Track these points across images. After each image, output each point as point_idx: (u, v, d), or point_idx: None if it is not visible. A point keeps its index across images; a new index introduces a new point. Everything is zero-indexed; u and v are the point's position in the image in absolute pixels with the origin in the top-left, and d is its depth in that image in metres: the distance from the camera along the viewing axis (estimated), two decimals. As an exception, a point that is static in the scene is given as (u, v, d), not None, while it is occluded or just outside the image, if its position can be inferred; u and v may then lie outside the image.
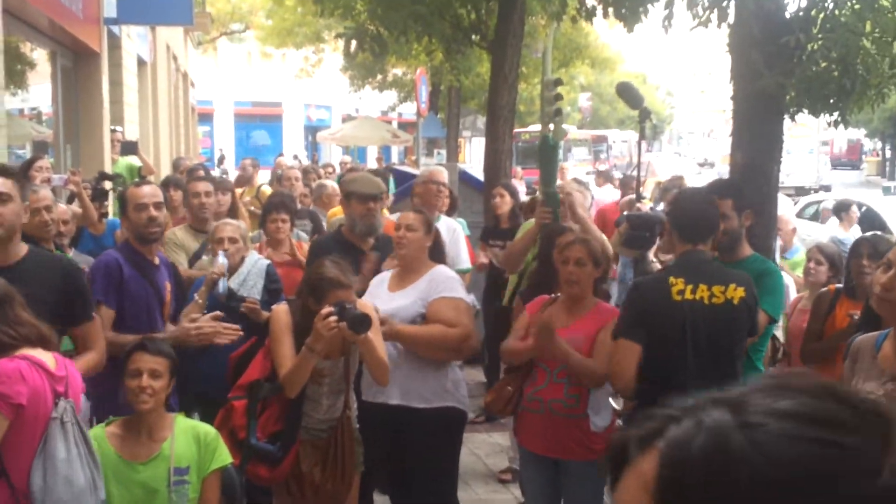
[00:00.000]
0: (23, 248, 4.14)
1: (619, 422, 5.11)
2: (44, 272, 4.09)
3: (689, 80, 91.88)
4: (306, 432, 4.66)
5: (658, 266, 7.04)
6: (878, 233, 5.99)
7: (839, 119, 6.24)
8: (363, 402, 5.07)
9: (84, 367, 4.06)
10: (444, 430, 5.11)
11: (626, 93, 9.49)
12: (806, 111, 6.39)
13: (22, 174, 7.82)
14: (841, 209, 10.64)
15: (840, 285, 5.76)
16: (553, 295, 5.02)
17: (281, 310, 4.68)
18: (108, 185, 8.29)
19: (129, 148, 11.18)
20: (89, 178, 8.21)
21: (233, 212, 7.46)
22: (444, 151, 29.41)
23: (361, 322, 4.35)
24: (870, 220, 10.19)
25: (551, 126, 11.43)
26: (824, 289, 5.91)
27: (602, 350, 4.70)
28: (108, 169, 10.98)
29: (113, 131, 12.40)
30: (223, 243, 5.91)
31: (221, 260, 5.73)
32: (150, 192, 5.04)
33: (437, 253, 5.42)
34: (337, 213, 7.96)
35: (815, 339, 5.57)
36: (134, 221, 4.95)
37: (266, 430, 4.60)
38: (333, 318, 4.31)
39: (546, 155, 6.83)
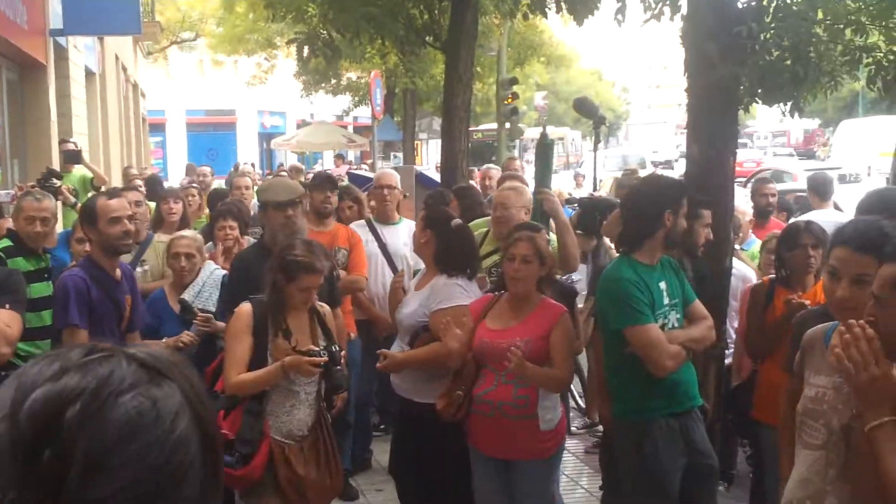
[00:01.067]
0: None
1: (585, 420, 5.11)
2: None
3: (645, 75, 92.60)
4: (289, 437, 4.58)
5: (615, 253, 6.99)
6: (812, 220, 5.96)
7: (793, 108, 6.22)
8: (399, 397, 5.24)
9: None
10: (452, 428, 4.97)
11: (583, 107, 9.80)
12: (759, 101, 6.37)
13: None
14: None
15: (773, 276, 5.73)
16: (497, 293, 4.97)
17: (244, 310, 4.62)
18: (56, 182, 8.08)
19: (73, 157, 10.91)
20: (37, 177, 8.04)
21: (184, 221, 7.32)
22: (400, 154, 29.35)
23: (337, 389, 4.70)
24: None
25: (507, 124, 11.36)
26: (758, 281, 5.89)
27: (559, 352, 4.68)
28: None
29: (63, 142, 12.17)
30: (180, 259, 5.79)
31: (194, 330, 5.62)
32: (122, 204, 5.05)
33: (443, 258, 5.21)
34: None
35: (756, 332, 5.54)
36: (108, 234, 4.91)
37: (234, 430, 4.49)
38: (319, 370, 4.49)
39: (543, 154, 6.66)
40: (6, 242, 5.93)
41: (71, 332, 4.74)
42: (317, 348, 4.54)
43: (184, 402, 0.98)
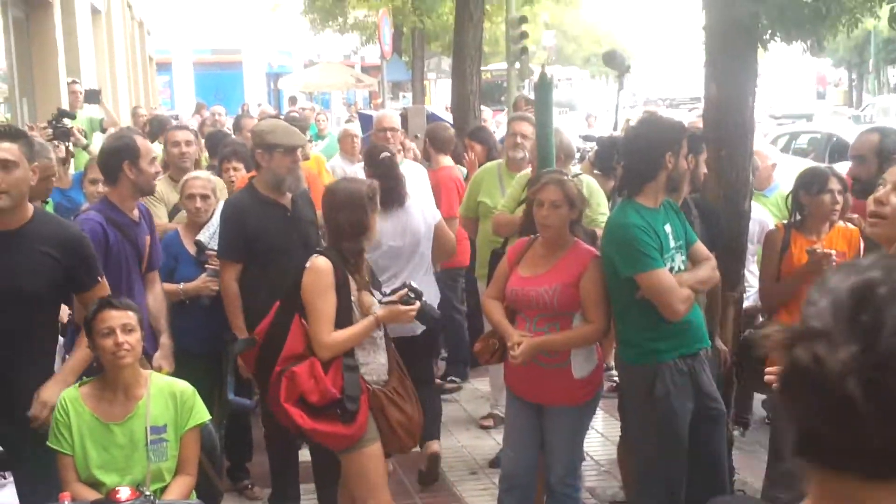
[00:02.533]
0: (29, 210, 4.04)
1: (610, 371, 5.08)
2: (50, 237, 4.02)
3: (656, 15, 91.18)
4: (378, 383, 4.55)
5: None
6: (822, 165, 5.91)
7: (814, 46, 6.11)
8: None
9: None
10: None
11: (612, 61, 9.73)
12: (779, 39, 6.26)
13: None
14: None
15: (786, 221, 5.63)
16: (532, 236, 4.93)
17: (325, 266, 4.43)
18: (68, 122, 8.00)
19: (93, 97, 10.82)
20: (48, 118, 7.97)
21: (196, 162, 7.28)
22: (409, 94, 29.12)
23: (430, 323, 4.77)
24: (841, 150, 10.07)
25: (517, 64, 11.23)
26: (772, 227, 5.79)
27: (589, 299, 4.62)
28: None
29: (70, 83, 12.08)
30: (195, 200, 5.76)
31: (209, 273, 5.63)
32: (150, 146, 5.12)
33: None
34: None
35: (773, 280, 5.45)
36: (149, 174, 4.90)
37: (337, 385, 4.39)
38: (413, 310, 4.53)
39: (543, 95, 6.14)
40: None
41: None
42: (403, 290, 4.57)
43: None
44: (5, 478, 4.75)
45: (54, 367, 4.32)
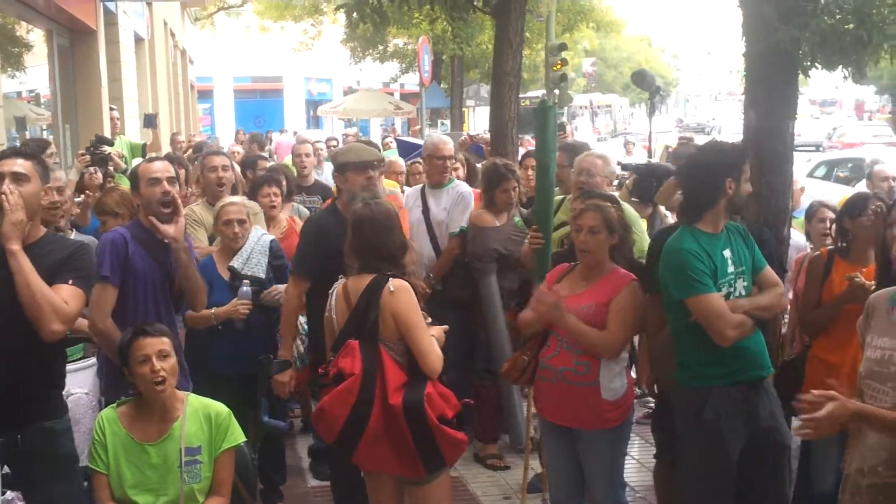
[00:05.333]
0: (40, 231, 4.00)
1: (636, 390, 5.04)
2: (56, 250, 3.96)
3: (696, 42, 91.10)
4: None
5: (671, 220, 6.89)
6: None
7: (856, 73, 6.05)
8: None
9: None
10: None
11: (642, 80, 9.74)
12: (820, 66, 6.21)
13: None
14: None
15: (831, 247, 5.54)
16: (572, 263, 4.91)
17: (407, 285, 4.31)
18: (106, 149, 8.11)
19: (150, 121, 11.02)
20: (87, 145, 8.10)
21: (235, 188, 7.32)
22: (447, 121, 29.23)
23: None
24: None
25: (556, 91, 11.25)
26: (816, 253, 5.71)
27: (615, 318, 4.61)
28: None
29: (110, 110, 12.28)
30: (233, 225, 5.74)
31: (245, 291, 5.58)
32: (162, 167, 4.87)
33: None
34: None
35: (813, 307, 5.36)
36: (147, 198, 4.76)
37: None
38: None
39: (542, 121, 5.97)
40: None
41: (101, 287, 4.50)
42: None
43: None
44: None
45: (64, 382, 4.20)
